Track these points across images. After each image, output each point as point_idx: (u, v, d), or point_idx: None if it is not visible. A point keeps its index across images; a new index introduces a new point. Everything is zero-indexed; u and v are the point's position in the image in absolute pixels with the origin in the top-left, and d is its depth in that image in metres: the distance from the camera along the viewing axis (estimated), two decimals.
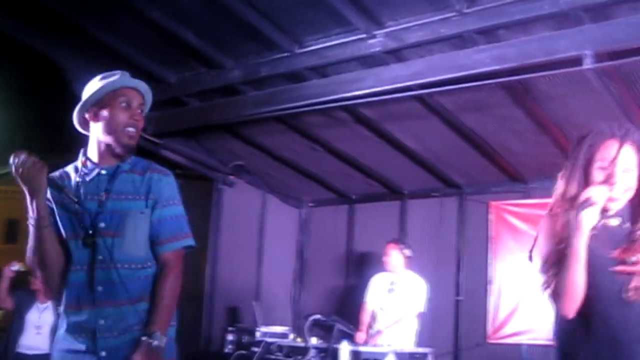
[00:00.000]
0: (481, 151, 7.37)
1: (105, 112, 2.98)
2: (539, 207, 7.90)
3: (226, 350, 6.49)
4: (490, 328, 8.06)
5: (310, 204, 9.78)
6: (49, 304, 7.41)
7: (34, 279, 7.18)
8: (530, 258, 2.69)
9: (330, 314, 6.56)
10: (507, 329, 7.93)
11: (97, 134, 3.01)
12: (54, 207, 2.95)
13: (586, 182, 2.62)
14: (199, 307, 7.88)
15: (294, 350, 6.12)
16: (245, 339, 6.62)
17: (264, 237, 9.08)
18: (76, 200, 2.90)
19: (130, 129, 2.98)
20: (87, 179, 3.00)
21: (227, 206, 8.38)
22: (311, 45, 5.77)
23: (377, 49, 5.48)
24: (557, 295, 2.48)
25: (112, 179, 2.98)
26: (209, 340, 8.01)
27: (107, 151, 3.01)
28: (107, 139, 2.99)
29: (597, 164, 2.62)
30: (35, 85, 8.63)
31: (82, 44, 6.00)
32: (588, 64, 4.73)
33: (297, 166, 8.48)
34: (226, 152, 8.09)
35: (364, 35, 5.47)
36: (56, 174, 3.05)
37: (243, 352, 6.16)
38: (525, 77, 5.39)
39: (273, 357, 6.08)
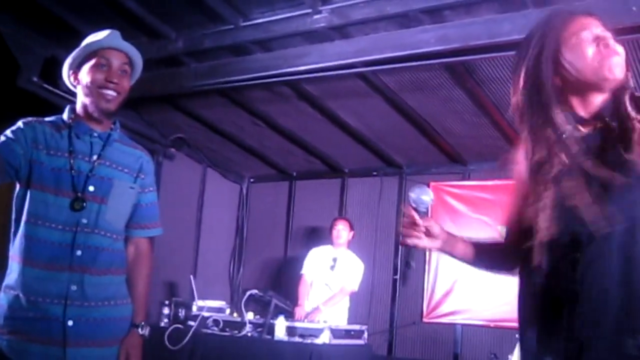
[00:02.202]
0: (422, 131, 7.41)
1: (83, 74, 2.92)
2: (477, 189, 8.03)
3: (162, 324, 6.43)
4: (426, 307, 8.16)
5: (251, 180, 9.75)
6: None
7: None
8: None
9: (267, 290, 6.55)
10: (443, 309, 8.04)
11: (79, 96, 2.95)
12: (37, 152, 2.82)
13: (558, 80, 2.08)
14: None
15: (230, 325, 6.10)
16: (182, 312, 6.56)
17: (203, 212, 9.04)
18: (71, 155, 2.84)
19: (107, 91, 2.88)
20: (80, 137, 2.91)
21: (166, 179, 8.28)
22: (256, 19, 5.71)
23: (322, 24, 5.44)
24: None
25: (105, 145, 2.94)
26: None
27: (88, 114, 2.93)
28: (86, 101, 2.92)
29: (572, 40, 2.09)
30: None
31: (20, 8, 5.84)
32: None
33: (239, 141, 8.43)
34: (167, 124, 7.98)
35: (309, 10, 5.42)
36: (45, 120, 2.94)
37: (179, 326, 6.12)
38: (469, 58, 5.43)
39: (209, 331, 6.06)
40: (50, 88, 6.08)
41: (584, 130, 2.07)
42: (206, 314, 6.23)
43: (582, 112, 2.08)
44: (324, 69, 5.76)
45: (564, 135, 2.02)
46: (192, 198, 8.94)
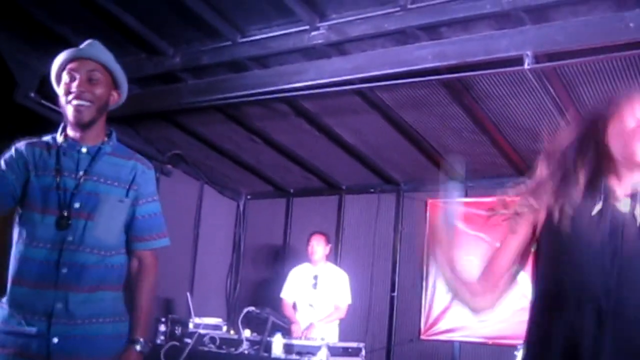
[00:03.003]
0: (420, 148, 7.41)
1: (59, 90, 2.90)
2: (475, 206, 7.99)
3: (158, 341, 6.38)
4: (423, 324, 8.12)
5: (248, 196, 9.73)
6: None
7: None
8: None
9: (264, 307, 6.52)
10: (441, 326, 8.00)
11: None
12: (29, 175, 2.82)
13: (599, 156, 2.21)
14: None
15: (227, 343, 6.06)
16: (178, 330, 6.52)
17: (200, 228, 9.02)
18: (58, 173, 2.81)
19: (76, 102, 2.83)
20: (67, 154, 2.88)
21: (163, 195, 8.12)
22: (253, 35, 5.72)
23: (320, 41, 5.45)
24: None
25: (93, 160, 2.88)
26: None
27: (71, 128, 2.91)
28: (65, 116, 2.90)
29: (617, 123, 2.19)
30: None
31: (19, 24, 5.84)
32: (528, 64, 4.79)
33: (236, 157, 8.42)
34: (164, 140, 7.98)
35: (307, 27, 5.44)
36: (36, 141, 2.94)
37: (175, 343, 6.08)
38: (466, 75, 5.43)
39: (206, 349, 6.02)
40: (48, 104, 6.07)
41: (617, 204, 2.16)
42: (203, 331, 6.19)
43: (617, 190, 2.18)
44: (321, 86, 5.76)
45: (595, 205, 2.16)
46: (189, 215, 8.91)
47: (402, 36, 5.28)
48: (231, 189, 9.53)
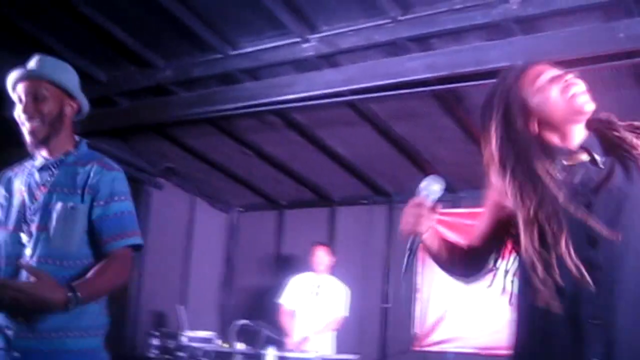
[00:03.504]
0: (411, 159, 7.42)
1: None
2: (467, 217, 8.01)
3: (151, 355, 6.37)
4: (416, 336, 8.11)
5: (240, 209, 9.72)
6: None
7: None
8: None
9: (257, 320, 6.51)
10: (434, 337, 8.00)
11: None
12: (3, 204, 2.89)
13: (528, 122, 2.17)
14: (123, 311, 7.73)
15: (219, 356, 6.05)
16: (171, 343, 6.51)
17: (192, 241, 9.00)
18: (22, 192, 2.84)
19: (27, 124, 2.83)
20: (32, 171, 2.90)
21: (154, 209, 8.26)
22: (245, 48, 5.74)
23: (311, 53, 5.48)
24: None
25: (55, 172, 2.87)
26: (134, 344, 7.87)
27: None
28: None
29: (533, 87, 2.17)
30: None
31: (9, 37, 5.84)
32: None
33: (227, 170, 8.42)
34: (155, 153, 7.98)
35: (298, 39, 5.46)
36: (13, 168, 2.98)
37: (168, 357, 6.07)
38: (457, 86, 5.45)
39: None
40: None
41: (570, 163, 2.15)
42: (196, 345, 6.18)
43: (567, 146, 2.16)
44: (312, 98, 5.78)
45: (550, 183, 2.09)
46: (181, 227, 8.90)
47: (393, 48, 5.30)
48: (223, 202, 9.52)
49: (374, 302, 8.39)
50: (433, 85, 5.43)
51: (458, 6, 4.87)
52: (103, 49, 5.98)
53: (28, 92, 2.86)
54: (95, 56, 6.16)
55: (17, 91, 2.88)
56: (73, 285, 2.64)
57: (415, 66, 5.24)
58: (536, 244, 2.06)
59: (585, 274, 1.96)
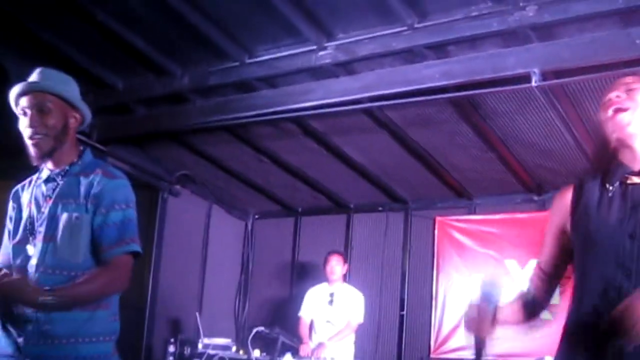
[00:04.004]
0: (428, 166, 7.41)
1: None
2: (483, 224, 8.00)
3: None
4: (433, 342, 8.09)
5: (256, 216, 9.72)
6: None
7: None
8: None
9: (273, 327, 6.51)
10: (451, 344, 7.97)
11: None
12: (12, 216, 2.95)
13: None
14: (140, 318, 7.75)
15: None
16: (188, 350, 6.53)
17: (209, 248, 9.00)
18: (28, 205, 2.89)
19: (32, 138, 2.87)
20: (39, 183, 2.95)
21: (171, 216, 8.27)
22: (261, 56, 5.74)
23: (328, 60, 5.48)
24: None
25: (60, 183, 2.92)
26: (150, 351, 7.88)
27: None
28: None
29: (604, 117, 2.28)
30: None
31: (27, 46, 5.87)
32: (535, 82, 4.79)
33: (244, 177, 8.43)
34: (172, 161, 8.00)
35: (314, 47, 5.46)
36: (22, 182, 3.04)
37: None
38: (473, 93, 5.44)
39: None
40: None
41: (632, 182, 2.19)
42: (212, 352, 6.19)
43: (634, 167, 2.20)
44: (329, 105, 5.77)
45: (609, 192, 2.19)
46: (197, 234, 8.91)
47: (410, 55, 5.30)
48: (239, 209, 9.53)
49: (391, 310, 8.37)
50: (450, 92, 5.43)
51: (474, 13, 4.86)
52: (120, 57, 6.00)
53: (32, 105, 2.89)
54: (112, 64, 6.19)
55: (20, 104, 2.91)
56: (54, 287, 2.69)
57: (432, 73, 5.23)
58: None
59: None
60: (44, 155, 2.90)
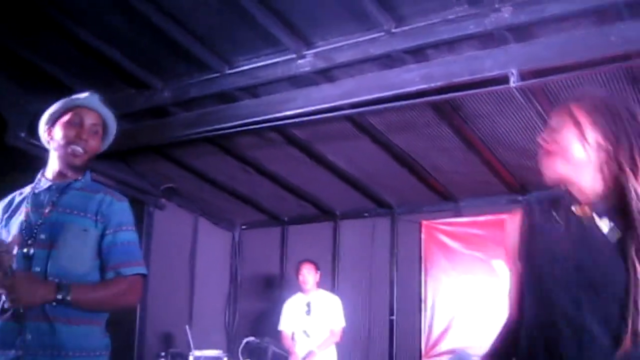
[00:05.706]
0: (411, 171, 7.44)
1: (57, 130, 3.01)
2: (469, 226, 8.03)
3: None
4: (424, 346, 8.11)
5: (243, 227, 9.73)
6: None
7: None
8: None
9: (264, 337, 6.51)
10: (442, 346, 7.99)
11: (52, 152, 3.04)
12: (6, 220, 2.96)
13: None
14: (130, 332, 7.72)
15: None
16: None
17: (196, 261, 9.00)
18: (27, 211, 2.90)
19: (75, 147, 2.95)
20: (37, 192, 2.98)
21: (158, 229, 8.26)
22: (241, 66, 5.75)
23: (307, 68, 5.49)
24: None
25: (62, 193, 2.96)
26: None
27: (57, 168, 3.01)
28: (56, 156, 3.00)
29: None
30: None
31: (7, 64, 5.87)
32: (514, 82, 4.82)
33: (229, 188, 8.44)
34: (157, 174, 7.99)
35: (293, 55, 5.47)
36: (15, 193, 3.07)
37: None
38: (453, 95, 5.46)
39: None
40: (38, 144, 6.06)
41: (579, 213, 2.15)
42: None
43: (581, 198, 2.17)
44: (310, 113, 5.78)
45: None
46: (185, 247, 8.91)
47: (389, 60, 5.32)
48: (226, 220, 9.53)
49: (381, 315, 8.39)
50: (430, 95, 5.45)
51: (451, 16, 4.88)
52: (100, 72, 5.99)
53: (90, 121, 3.02)
54: (93, 79, 6.15)
55: (76, 111, 3.01)
56: (66, 285, 2.73)
57: (411, 77, 5.25)
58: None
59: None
60: (73, 168, 2.99)
